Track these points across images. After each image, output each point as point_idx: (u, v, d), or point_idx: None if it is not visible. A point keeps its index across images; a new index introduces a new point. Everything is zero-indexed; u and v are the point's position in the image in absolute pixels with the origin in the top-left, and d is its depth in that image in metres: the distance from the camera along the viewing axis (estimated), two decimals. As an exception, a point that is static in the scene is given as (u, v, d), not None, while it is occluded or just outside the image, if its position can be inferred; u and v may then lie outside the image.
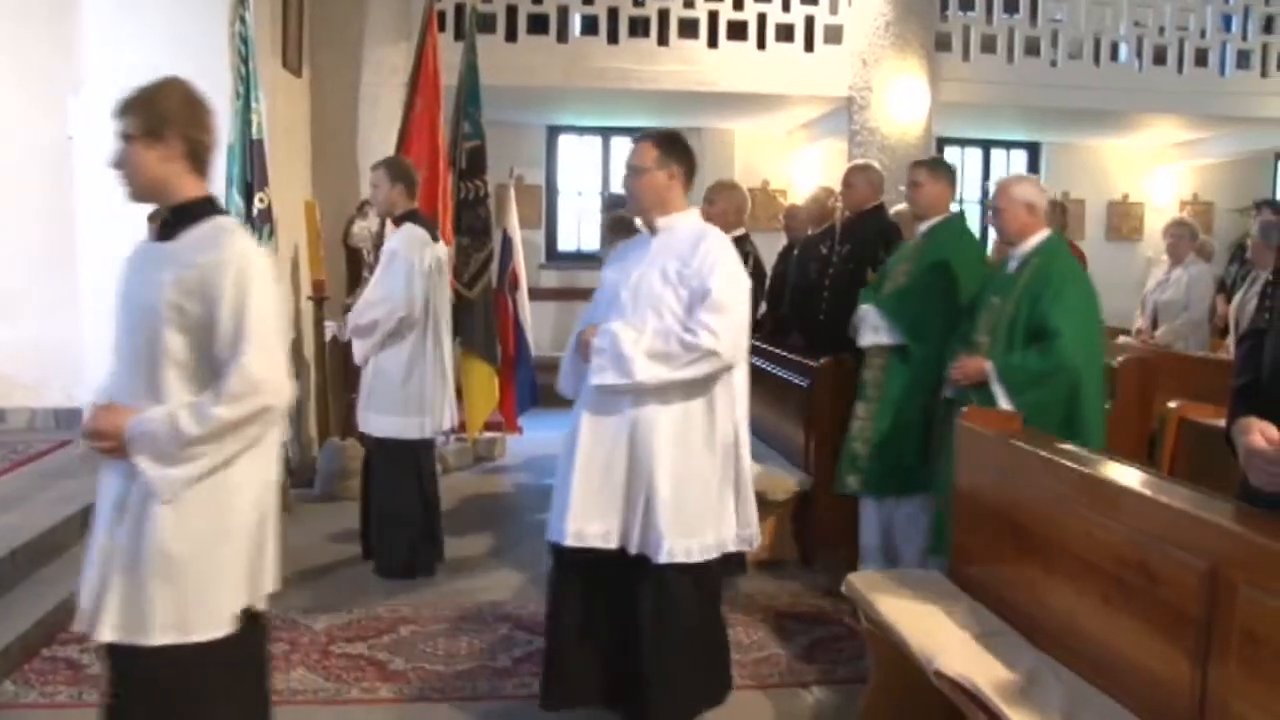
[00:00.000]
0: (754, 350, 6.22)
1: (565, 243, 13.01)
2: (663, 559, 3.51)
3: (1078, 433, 4.25)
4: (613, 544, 3.60)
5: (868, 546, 5.35)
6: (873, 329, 5.28)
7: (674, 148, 3.76)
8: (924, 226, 5.37)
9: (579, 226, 13.01)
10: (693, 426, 3.58)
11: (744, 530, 3.72)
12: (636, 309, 3.63)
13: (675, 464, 3.54)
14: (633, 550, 3.59)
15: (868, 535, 5.35)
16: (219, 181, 5.85)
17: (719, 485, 3.63)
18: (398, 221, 5.65)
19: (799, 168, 12.68)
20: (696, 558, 3.55)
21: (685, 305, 3.55)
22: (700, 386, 3.57)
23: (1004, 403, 4.38)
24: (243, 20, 6.08)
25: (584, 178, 13.01)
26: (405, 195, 5.61)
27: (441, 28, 8.67)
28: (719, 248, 3.61)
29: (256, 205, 6.06)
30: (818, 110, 11.30)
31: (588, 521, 3.60)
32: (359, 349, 5.63)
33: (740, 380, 3.70)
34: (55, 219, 7.05)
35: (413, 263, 5.45)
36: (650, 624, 3.60)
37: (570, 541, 3.62)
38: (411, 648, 4.78)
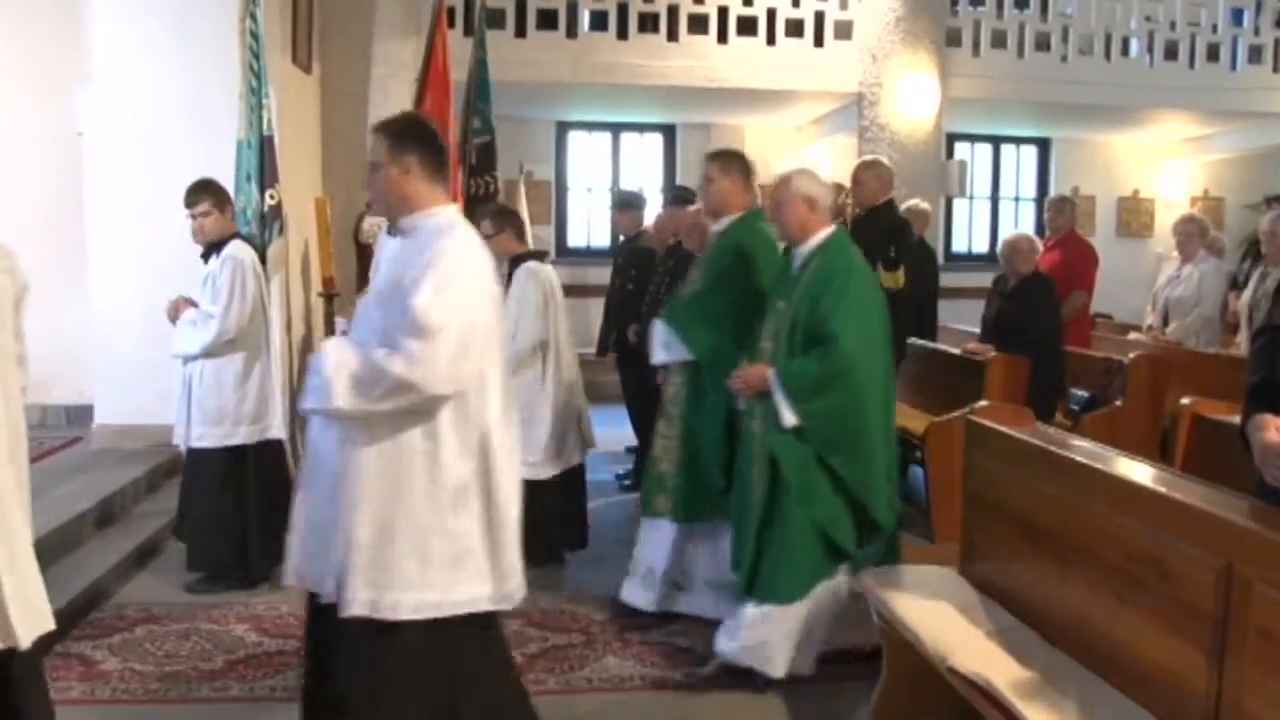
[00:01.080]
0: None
1: (575, 238, 13.01)
2: (346, 611, 2.94)
3: (861, 445, 4.10)
4: (326, 588, 3.03)
5: (653, 568, 4.94)
6: (662, 346, 4.91)
7: (406, 137, 3.15)
8: (717, 226, 4.93)
9: (589, 222, 13.01)
10: (408, 466, 2.97)
11: (501, 586, 3.07)
12: (359, 323, 3.16)
13: (379, 507, 2.95)
14: (324, 596, 3.02)
15: (655, 556, 4.95)
16: (230, 177, 5.87)
17: (448, 536, 3.00)
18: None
19: (809, 163, 12.64)
20: (390, 615, 2.95)
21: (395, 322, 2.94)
22: (415, 419, 2.96)
23: (787, 414, 4.08)
24: (253, 16, 6.08)
25: (593, 173, 13.01)
26: None
27: (451, 23, 8.66)
28: (444, 255, 2.98)
29: (267, 201, 6.06)
30: (828, 106, 11.28)
31: (307, 560, 3.09)
32: None
33: (495, 413, 3.06)
34: (64, 214, 7.06)
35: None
36: (328, 683, 3.10)
37: (291, 581, 3.15)
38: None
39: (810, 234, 4.29)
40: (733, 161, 4.95)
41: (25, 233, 5.35)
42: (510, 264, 5.65)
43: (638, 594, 4.99)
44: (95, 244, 6.75)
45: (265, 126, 6.11)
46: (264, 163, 6.11)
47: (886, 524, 4.23)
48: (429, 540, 2.97)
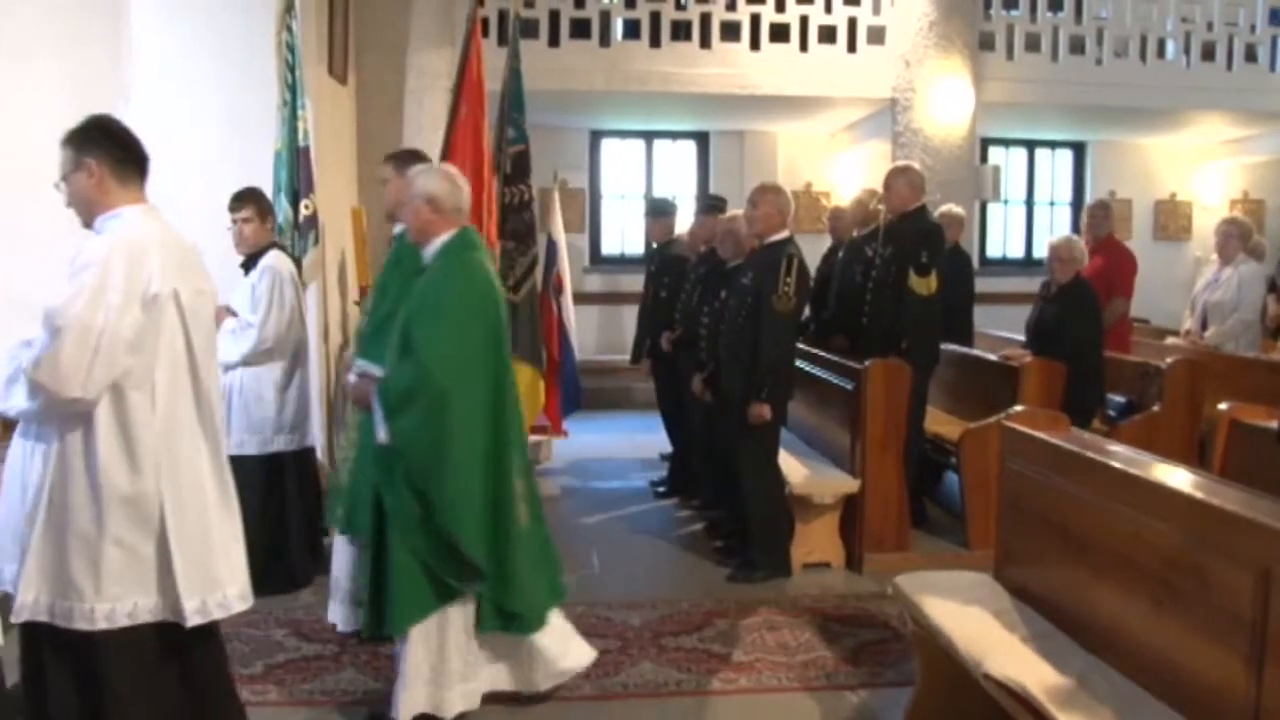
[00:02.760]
0: (799, 354, 6.26)
1: (609, 246, 13.04)
2: (19, 617, 3.00)
3: (444, 469, 3.67)
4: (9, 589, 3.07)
5: (336, 581, 4.64)
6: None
7: (84, 141, 3.10)
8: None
9: (623, 230, 13.03)
10: (69, 470, 2.97)
11: (190, 600, 3.05)
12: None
13: (47, 510, 2.98)
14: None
15: (338, 569, 4.61)
16: (266, 188, 5.94)
17: (118, 546, 2.99)
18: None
19: (842, 170, 12.64)
20: (63, 623, 2.98)
21: None
22: (75, 426, 2.97)
23: (380, 429, 3.75)
24: (289, 29, 6.16)
25: (627, 181, 13.04)
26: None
27: (485, 33, 8.74)
28: (95, 248, 2.99)
29: (303, 212, 6.13)
30: (861, 112, 11.26)
31: (5, 560, 3.09)
32: None
33: (170, 421, 3.05)
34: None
35: None
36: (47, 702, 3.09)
37: None
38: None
39: (432, 236, 3.91)
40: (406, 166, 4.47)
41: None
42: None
43: (336, 612, 4.68)
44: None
45: (301, 137, 6.18)
46: (300, 173, 6.19)
47: (477, 557, 3.77)
48: (99, 549, 2.97)
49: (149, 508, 3.02)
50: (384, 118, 8.64)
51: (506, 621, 3.94)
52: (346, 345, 7.07)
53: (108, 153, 3.09)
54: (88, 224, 3.15)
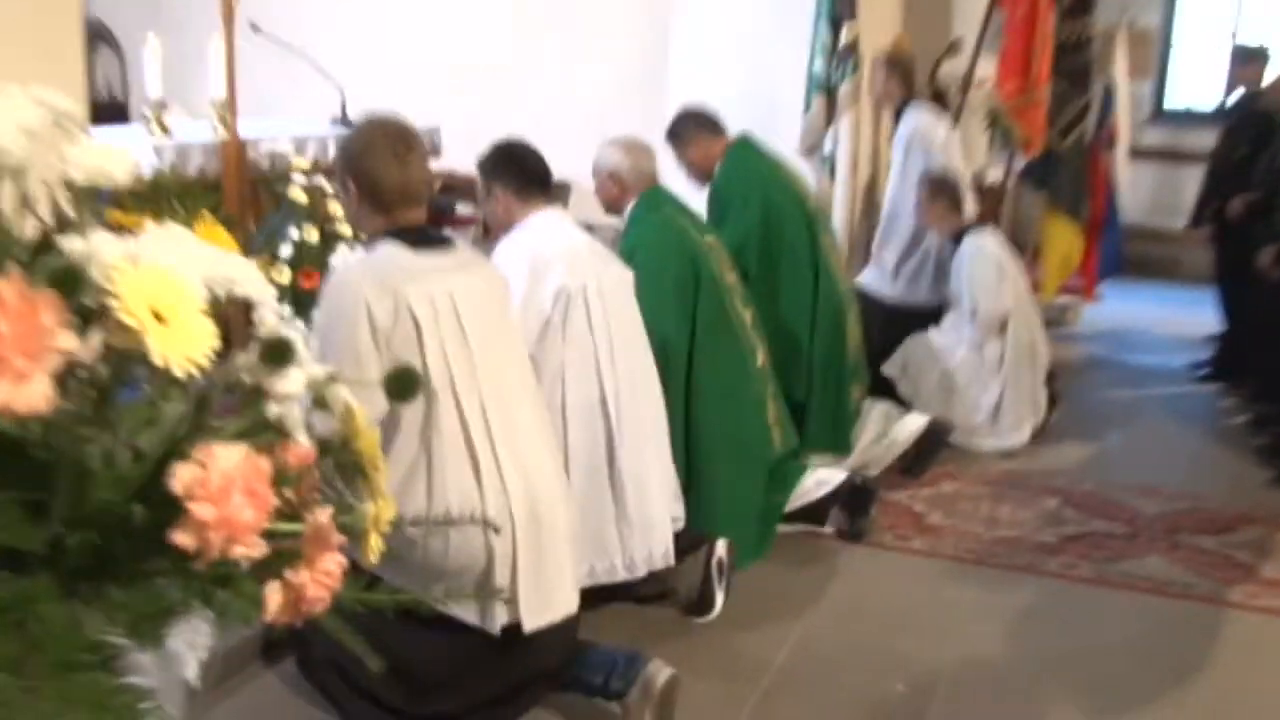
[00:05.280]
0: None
1: (1176, 98, 11.70)
2: None
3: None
4: None
5: None
6: None
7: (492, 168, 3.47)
8: None
9: (1196, 81, 11.62)
10: None
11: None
12: None
13: None
14: None
15: None
16: (805, 15, 5.86)
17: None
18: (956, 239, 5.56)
19: None
20: None
21: None
22: None
23: None
24: None
25: (1209, 25, 11.53)
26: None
27: None
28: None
29: (842, 38, 5.98)
30: None
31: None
32: None
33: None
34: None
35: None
36: None
37: None
38: (951, 505, 4.65)
39: (623, 207, 4.03)
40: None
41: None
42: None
43: None
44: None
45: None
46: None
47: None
48: None
49: None
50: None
51: None
52: (877, 176, 6.91)
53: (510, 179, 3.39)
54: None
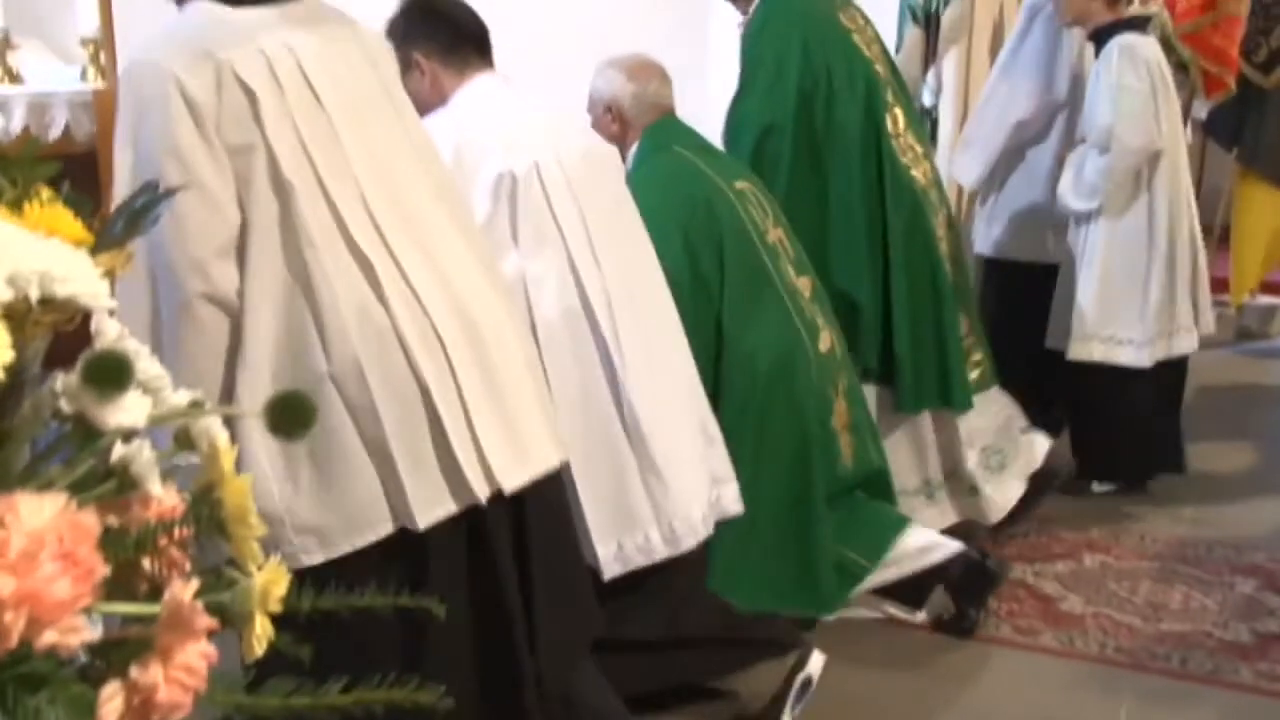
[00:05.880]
0: None
1: None
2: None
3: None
4: None
5: None
6: None
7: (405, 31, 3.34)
8: None
9: None
10: None
11: None
12: None
13: None
14: None
15: None
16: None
17: None
18: (1097, 38, 5.40)
19: None
20: None
21: None
22: None
23: None
24: None
25: None
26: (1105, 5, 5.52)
27: None
28: None
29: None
30: None
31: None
32: None
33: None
34: None
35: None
36: None
37: None
38: (1097, 585, 4.68)
39: (628, 147, 4.02)
40: None
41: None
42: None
43: None
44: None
45: None
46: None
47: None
48: None
49: None
50: None
51: None
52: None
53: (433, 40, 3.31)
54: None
